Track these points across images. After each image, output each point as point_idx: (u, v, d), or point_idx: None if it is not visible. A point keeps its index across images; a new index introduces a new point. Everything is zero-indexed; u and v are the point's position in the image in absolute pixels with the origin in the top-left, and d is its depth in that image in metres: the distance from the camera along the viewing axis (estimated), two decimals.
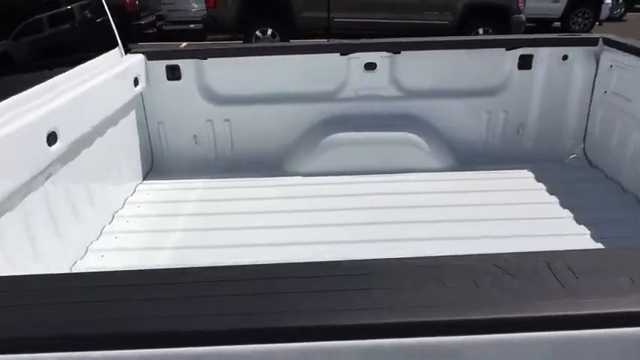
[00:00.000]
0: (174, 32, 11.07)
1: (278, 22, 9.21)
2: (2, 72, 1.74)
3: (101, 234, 2.11)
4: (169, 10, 11.13)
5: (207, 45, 2.86)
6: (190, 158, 2.74)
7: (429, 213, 2.18)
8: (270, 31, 9.25)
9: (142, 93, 2.58)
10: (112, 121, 2.25)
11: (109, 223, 2.19)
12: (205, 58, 2.59)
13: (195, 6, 11.04)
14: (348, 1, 9.20)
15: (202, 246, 2.01)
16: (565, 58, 2.57)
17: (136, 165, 2.57)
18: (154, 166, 2.75)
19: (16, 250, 1.59)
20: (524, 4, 9.45)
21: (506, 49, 2.59)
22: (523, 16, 9.34)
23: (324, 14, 9.21)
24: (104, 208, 2.19)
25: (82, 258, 1.93)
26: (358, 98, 2.66)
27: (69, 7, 2.24)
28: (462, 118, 2.68)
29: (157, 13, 10.27)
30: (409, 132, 2.59)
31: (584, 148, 2.69)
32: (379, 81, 2.63)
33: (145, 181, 2.61)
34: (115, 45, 2.48)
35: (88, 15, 2.38)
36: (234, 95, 2.67)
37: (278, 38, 9.23)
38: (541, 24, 11.58)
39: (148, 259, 1.94)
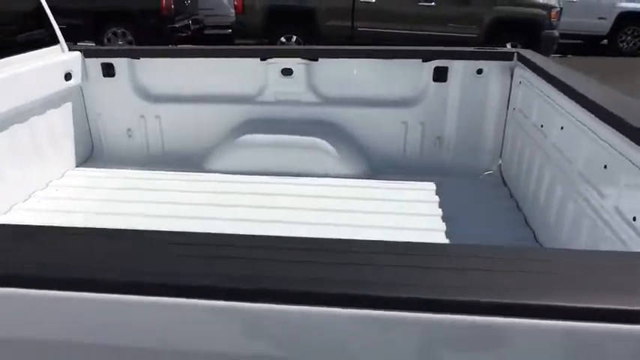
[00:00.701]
0: (213, 36, 11.59)
1: (303, 29, 9.43)
2: None
3: (10, 209, 2.33)
4: (207, 15, 11.64)
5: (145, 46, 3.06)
6: (125, 150, 2.94)
7: (314, 215, 2.25)
8: (294, 38, 9.47)
9: (80, 87, 2.81)
10: (36, 108, 2.48)
11: (23, 201, 2.42)
12: (138, 58, 2.79)
13: (233, 11, 11.49)
14: (373, 11, 9.27)
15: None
16: (480, 72, 2.55)
17: (70, 151, 2.79)
18: (94, 154, 2.97)
19: None
20: (559, 19, 9.14)
21: (423, 61, 2.61)
22: (556, 32, 9.04)
23: (348, 23, 9.34)
24: (18, 186, 2.41)
25: None
26: (277, 102, 2.76)
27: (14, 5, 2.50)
28: (378, 127, 2.72)
29: (192, 17, 10.74)
30: (321, 138, 2.66)
31: (500, 165, 2.66)
32: (297, 86, 2.72)
33: (77, 168, 2.83)
34: (57, 42, 2.73)
35: (33, 13, 2.62)
36: (164, 94, 2.85)
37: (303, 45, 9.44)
38: (588, 41, 11.15)
39: None
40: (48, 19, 2.67)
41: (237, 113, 2.79)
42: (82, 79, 2.78)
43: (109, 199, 2.45)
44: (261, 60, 2.70)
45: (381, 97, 2.70)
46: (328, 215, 2.25)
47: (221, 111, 2.80)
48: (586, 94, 1.67)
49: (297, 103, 2.75)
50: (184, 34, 10.28)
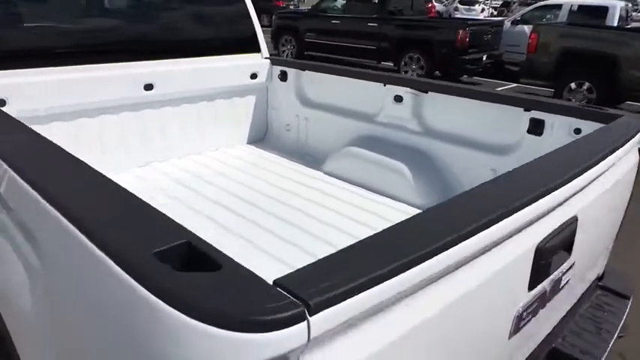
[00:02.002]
0: (511, 72, 11.50)
1: (598, 77, 8.45)
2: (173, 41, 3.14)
3: (183, 157, 3.35)
4: (507, 52, 11.58)
5: (315, 62, 3.70)
6: (283, 139, 3.69)
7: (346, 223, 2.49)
8: (586, 85, 8.59)
9: (267, 86, 3.69)
10: (222, 94, 3.45)
11: (196, 154, 3.41)
12: (304, 70, 3.46)
13: None
14: None
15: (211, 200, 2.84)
16: (578, 131, 2.21)
17: (244, 131, 3.70)
18: (266, 137, 3.82)
19: (104, 144, 2.98)
20: None
21: (525, 110, 2.42)
22: None
23: None
24: (196, 144, 3.41)
25: (123, 171, 3.04)
26: (388, 125, 3.00)
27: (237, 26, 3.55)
28: (467, 168, 2.64)
29: (489, 52, 10.90)
30: (407, 164, 2.78)
31: None
32: (404, 113, 2.90)
33: (247, 144, 3.72)
34: (259, 50, 3.66)
35: (249, 32, 3.61)
36: (313, 101, 3.45)
37: (595, 95, 8.49)
38: None
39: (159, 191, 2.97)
40: (256, 34, 3.61)
41: (357, 128, 3.16)
42: (267, 80, 3.65)
43: (244, 169, 3.21)
44: (383, 85, 2.99)
45: (478, 139, 2.62)
46: (348, 224, 2.44)
47: (347, 123, 3.22)
48: None
49: (401, 128, 2.93)
50: (474, 67, 10.59)
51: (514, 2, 23.33)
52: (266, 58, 3.67)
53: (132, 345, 0.80)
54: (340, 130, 3.27)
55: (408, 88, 2.86)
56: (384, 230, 1.00)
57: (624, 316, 2.03)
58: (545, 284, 1.40)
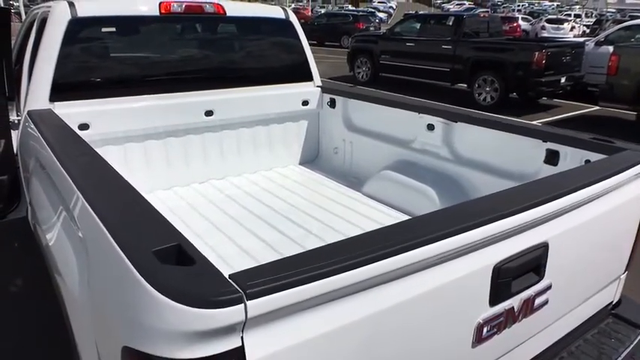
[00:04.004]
0: (591, 94, 11.00)
1: None
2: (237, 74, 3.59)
3: (239, 175, 3.76)
4: (590, 73, 11.07)
5: (371, 91, 3.95)
6: (331, 161, 3.99)
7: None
8: None
9: (318, 112, 4.02)
10: (276, 119, 3.82)
11: (250, 174, 3.81)
12: (350, 98, 3.76)
13: None
14: None
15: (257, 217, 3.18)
16: (588, 163, 2.29)
17: (297, 153, 4.04)
18: (317, 159, 4.14)
19: (169, 158, 3.45)
20: None
21: (543, 141, 2.53)
22: None
23: None
24: (249, 164, 3.81)
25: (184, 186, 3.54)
26: (422, 151, 3.20)
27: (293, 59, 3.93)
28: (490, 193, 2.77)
29: (569, 74, 10.51)
30: (434, 188, 2.96)
31: None
32: (436, 141, 3.08)
33: (299, 165, 4.06)
34: (311, 79, 4.01)
35: (298, 58, 3.98)
36: (357, 126, 3.72)
37: None
38: None
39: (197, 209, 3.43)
40: (309, 65, 3.96)
41: (394, 152, 3.39)
42: (318, 106, 3.98)
43: (291, 189, 3.54)
44: (418, 114, 3.20)
45: (501, 167, 2.75)
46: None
47: (386, 148, 3.46)
48: None
49: (433, 154, 3.12)
50: (551, 89, 10.27)
51: (607, 20, 22.08)
52: (317, 86, 4.00)
53: (128, 311, 1.13)
54: (380, 154, 3.51)
55: (440, 118, 3.05)
56: (352, 237, 1.27)
57: (632, 345, 2.07)
58: (511, 302, 1.56)
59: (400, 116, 3.35)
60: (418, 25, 12.65)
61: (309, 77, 3.99)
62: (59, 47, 2.93)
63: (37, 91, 2.94)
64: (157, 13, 3.24)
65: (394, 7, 50.56)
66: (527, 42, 12.21)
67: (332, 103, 3.91)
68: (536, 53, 9.81)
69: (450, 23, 11.71)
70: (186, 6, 3.34)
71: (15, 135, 3.41)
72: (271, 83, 3.77)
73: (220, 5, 3.48)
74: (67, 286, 1.66)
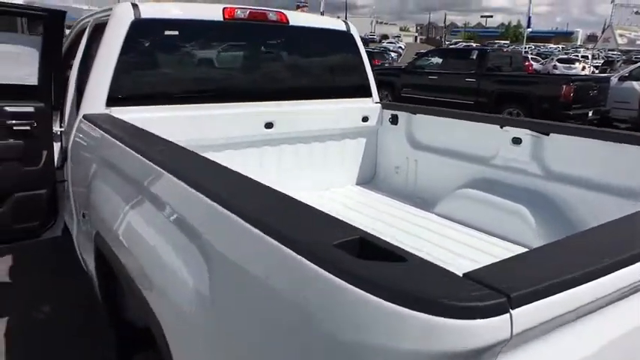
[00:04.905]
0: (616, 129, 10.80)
1: None
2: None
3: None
4: (615, 108, 10.92)
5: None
6: (391, 181, 3.72)
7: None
8: None
9: (377, 129, 3.78)
10: (334, 135, 3.58)
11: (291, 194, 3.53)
12: (415, 114, 3.52)
13: None
14: None
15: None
16: None
17: (354, 172, 3.78)
18: (374, 179, 3.87)
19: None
20: None
21: None
22: None
23: None
24: (302, 184, 3.53)
25: None
26: (504, 168, 2.93)
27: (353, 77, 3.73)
28: (596, 213, 2.48)
29: (595, 108, 10.36)
30: (528, 208, 2.68)
31: None
32: (523, 156, 2.82)
33: (356, 185, 3.79)
34: (370, 95, 3.79)
35: (358, 73, 3.77)
36: (423, 143, 3.47)
37: None
38: None
39: None
40: (369, 80, 3.76)
41: (470, 170, 3.12)
42: (378, 123, 3.74)
43: (356, 209, 3.26)
44: (500, 127, 2.95)
45: (606, 182, 2.47)
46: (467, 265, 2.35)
47: (459, 166, 3.19)
48: None
49: (520, 171, 2.84)
50: (579, 123, 10.07)
51: (618, 60, 22.24)
52: (376, 102, 3.78)
53: (311, 326, 0.83)
54: (452, 173, 3.24)
55: (528, 130, 2.80)
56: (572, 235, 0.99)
57: None
58: None
59: (477, 130, 3.10)
60: (441, 59, 12.64)
61: (368, 93, 3.78)
62: (120, 49, 2.72)
63: (93, 94, 2.72)
64: (221, 19, 3.05)
65: (403, 47, 51.45)
66: (553, 76, 12.14)
67: (394, 120, 3.68)
68: (565, 86, 9.69)
69: (474, 57, 11.68)
70: (249, 12, 3.15)
71: (56, 147, 3.17)
72: (331, 97, 3.55)
73: (283, 14, 3.30)
74: (167, 306, 1.37)
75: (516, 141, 2.87)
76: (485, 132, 3.04)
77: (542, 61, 27.62)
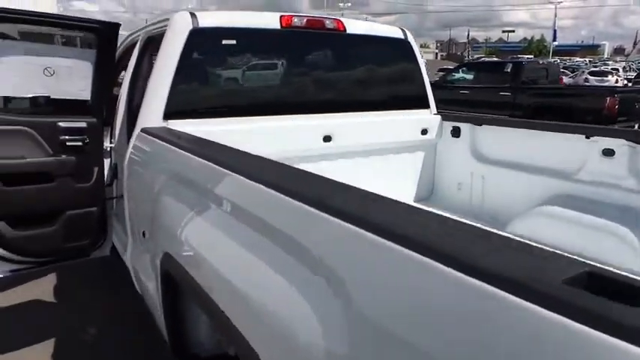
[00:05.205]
0: None
1: None
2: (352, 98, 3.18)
3: None
4: None
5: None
6: (452, 200, 3.48)
7: None
8: None
9: (436, 142, 3.56)
10: (393, 149, 3.37)
11: None
12: (480, 125, 3.29)
13: None
14: None
15: None
16: None
17: (412, 189, 3.56)
18: (432, 196, 3.64)
19: None
20: None
21: None
22: None
23: None
24: None
25: None
26: (592, 183, 2.67)
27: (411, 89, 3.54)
28: None
29: None
30: (626, 226, 2.41)
31: None
32: (617, 169, 2.56)
33: (413, 203, 3.55)
34: (428, 106, 3.58)
35: (416, 83, 3.58)
36: (491, 157, 3.23)
37: None
38: None
39: None
40: (426, 91, 3.56)
41: (549, 185, 2.87)
42: (437, 136, 3.53)
43: None
44: (585, 137, 2.70)
45: None
46: None
47: (535, 181, 2.94)
48: None
49: (614, 186, 2.58)
50: None
51: None
52: (435, 114, 3.57)
53: None
54: (526, 189, 2.99)
55: (624, 140, 2.54)
56: None
57: None
58: None
59: (555, 141, 2.85)
60: (472, 73, 12.39)
61: (426, 104, 3.57)
62: (178, 59, 2.58)
63: (151, 107, 2.58)
64: (278, 27, 2.90)
65: (424, 63, 51.21)
66: (596, 87, 11.77)
67: (456, 132, 3.46)
68: (609, 98, 9.33)
69: (508, 70, 11.40)
70: (307, 20, 3.00)
71: (105, 163, 3.05)
72: (389, 109, 3.36)
73: (341, 21, 3.14)
74: (271, 341, 1.16)
75: (608, 152, 2.61)
76: (567, 143, 2.79)
77: (572, 74, 27.11)
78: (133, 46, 3.44)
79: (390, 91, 3.42)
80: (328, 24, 3.08)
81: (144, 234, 2.22)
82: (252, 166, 1.50)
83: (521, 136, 3.05)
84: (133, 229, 2.51)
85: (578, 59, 54.69)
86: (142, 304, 2.57)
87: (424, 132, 3.47)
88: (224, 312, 1.35)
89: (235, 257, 1.38)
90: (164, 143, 2.06)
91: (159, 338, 2.16)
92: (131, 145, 2.56)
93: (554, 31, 33.61)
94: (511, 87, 11.06)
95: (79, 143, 2.75)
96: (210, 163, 1.59)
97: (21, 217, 2.69)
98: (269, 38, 2.93)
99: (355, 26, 3.21)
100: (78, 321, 3.27)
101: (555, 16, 32.79)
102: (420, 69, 3.51)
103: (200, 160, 1.67)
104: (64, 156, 2.71)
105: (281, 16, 2.92)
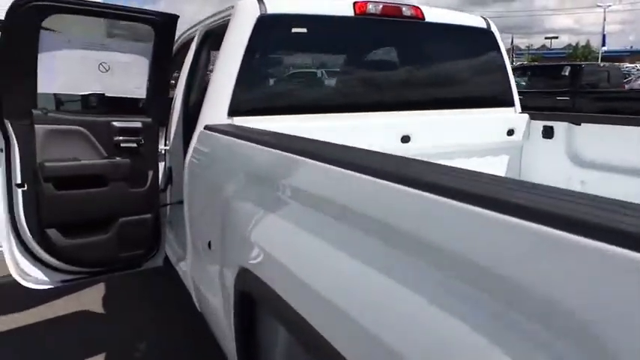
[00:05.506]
0: None
1: None
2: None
3: None
4: None
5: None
6: None
7: None
8: None
9: (522, 144, 3.16)
10: (477, 151, 2.99)
11: None
12: (578, 124, 2.88)
13: None
14: None
15: None
16: None
17: None
18: None
19: None
20: None
21: None
22: None
23: None
24: None
25: None
26: None
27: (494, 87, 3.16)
28: None
29: None
30: None
31: None
32: None
33: None
34: (513, 104, 3.19)
35: (500, 78, 3.19)
36: (599, 162, 2.79)
37: None
38: None
39: None
40: (511, 87, 3.18)
41: None
42: (524, 137, 3.13)
43: None
44: None
45: None
46: None
47: None
48: None
49: None
50: None
51: None
52: (521, 112, 3.18)
53: None
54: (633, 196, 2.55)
55: None
56: None
57: None
58: None
59: None
60: (526, 78, 11.81)
61: (510, 102, 3.18)
62: (245, 49, 2.31)
63: (214, 104, 2.32)
64: (351, 14, 2.60)
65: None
66: None
67: (547, 132, 3.05)
68: None
69: (566, 74, 10.78)
70: (383, 7, 2.68)
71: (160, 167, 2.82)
72: (471, 106, 2.99)
73: (419, 8, 2.81)
74: None
75: None
76: None
77: (624, 80, 25.81)
78: (187, 43, 3.22)
79: (472, 86, 3.05)
80: (405, 11, 2.75)
81: (209, 245, 1.93)
82: (365, 159, 1.18)
83: (633, 136, 2.62)
84: (195, 239, 2.24)
85: (627, 65, 52.34)
86: (201, 321, 2.30)
87: (510, 132, 3.08)
88: (332, 345, 1.02)
89: (343, 273, 1.06)
90: (240, 140, 1.77)
91: None
92: (192, 145, 2.30)
93: (604, 35, 32.21)
94: (570, 91, 10.44)
95: (134, 145, 2.52)
96: (307, 159, 1.28)
97: (73, 223, 2.47)
98: (341, 26, 2.62)
99: (434, 14, 2.87)
100: (128, 336, 3.03)
101: (604, 20, 31.42)
102: (504, 63, 3.13)
103: (292, 156, 1.37)
104: (118, 158, 2.48)
105: (354, 2, 2.61)
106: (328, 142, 1.52)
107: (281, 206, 1.41)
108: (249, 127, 2.03)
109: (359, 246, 1.06)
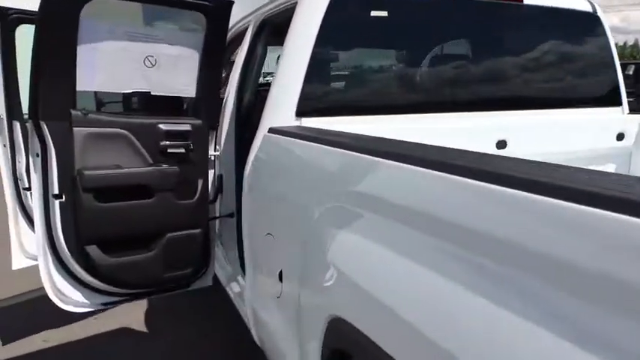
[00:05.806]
0: None
1: None
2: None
3: None
4: None
5: None
6: None
7: None
8: None
9: (631, 151, 2.66)
10: (582, 158, 2.51)
11: None
12: None
13: None
14: None
15: None
16: None
17: None
18: None
19: None
20: None
21: None
22: None
23: None
24: None
25: None
26: None
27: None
28: None
29: None
30: None
31: None
32: None
33: None
34: (620, 103, 2.70)
35: (606, 74, 2.71)
36: None
37: None
38: None
39: None
40: (619, 84, 2.70)
41: None
42: (636, 143, 2.63)
43: None
44: None
45: None
46: None
47: None
48: None
49: None
50: None
51: None
52: (630, 113, 2.69)
53: None
54: None
55: None
56: None
57: None
58: None
59: None
60: None
61: (617, 101, 2.70)
62: (315, 39, 1.93)
63: (279, 103, 1.94)
64: None
65: None
66: None
67: None
68: None
69: (630, 73, 9.99)
70: None
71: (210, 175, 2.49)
72: (574, 106, 2.53)
73: None
74: None
75: None
76: None
77: None
78: (238, 37, 2.88)
79: (576, 81, 2.59)
80: None
81: (280, 276, 1.55)
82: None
83: None
84: (258, 263, 1.87)
85: None
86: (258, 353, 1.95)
87: (620, 137, 2.59)
88: None
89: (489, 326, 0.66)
90: (329, 147, 1.37)
91: None
92: (254, 151, 1.93)
93: None
94: (634, 92, 9.64)
95: (182, 150, 2.18)
96: (435, 172, 0.89)
97: (115, 240, 2.15)
98: (427, 10, 2.21)
99: None
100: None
101: None
102: (612, 54, 2.64)
103: (411, 167, 0.97)
104: (165, 165, 2.15)
105: None
106: (455, 149, 1.12)
107: (396, 235, 1.01)
108: (335, 130, 1.64)
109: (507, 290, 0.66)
